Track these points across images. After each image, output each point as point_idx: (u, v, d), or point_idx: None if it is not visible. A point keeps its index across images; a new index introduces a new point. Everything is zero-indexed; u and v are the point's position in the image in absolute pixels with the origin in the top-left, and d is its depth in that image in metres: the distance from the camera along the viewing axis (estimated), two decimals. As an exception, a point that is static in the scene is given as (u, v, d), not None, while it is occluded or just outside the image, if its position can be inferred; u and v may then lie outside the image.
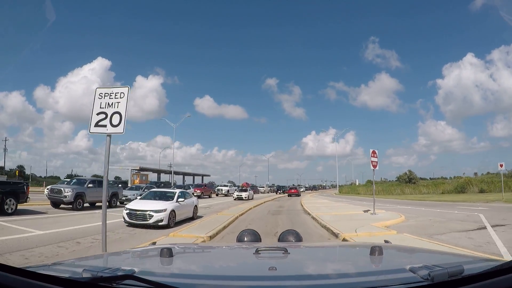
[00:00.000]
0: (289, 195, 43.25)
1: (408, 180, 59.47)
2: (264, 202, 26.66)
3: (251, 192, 34.22)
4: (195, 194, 22.55)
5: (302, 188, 63.53)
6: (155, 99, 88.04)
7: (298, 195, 43.26)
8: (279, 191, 58.50)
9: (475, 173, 61.35)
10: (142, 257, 1.82)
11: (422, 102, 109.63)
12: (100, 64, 75.45)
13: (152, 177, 53.87)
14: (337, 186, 67.16)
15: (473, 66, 76.04)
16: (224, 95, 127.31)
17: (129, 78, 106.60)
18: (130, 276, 0.96)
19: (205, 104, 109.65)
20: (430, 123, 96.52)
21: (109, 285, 0.92)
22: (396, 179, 64.97)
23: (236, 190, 35.55)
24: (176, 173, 55.71)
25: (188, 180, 62.93)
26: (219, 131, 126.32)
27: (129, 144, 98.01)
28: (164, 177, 59.47)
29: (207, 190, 36.17)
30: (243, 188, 36.53)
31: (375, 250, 1.49)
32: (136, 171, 47.84)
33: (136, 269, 1.13)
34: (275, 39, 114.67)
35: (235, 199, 30.20)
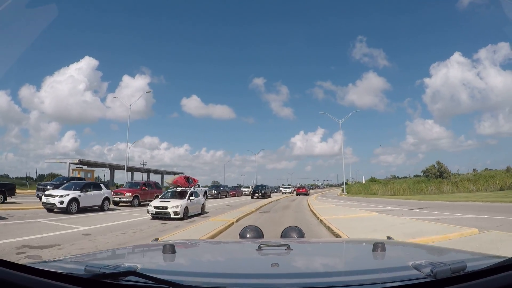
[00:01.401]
0: (298, 194, 45.42)
1: (439, 175, 48.86)
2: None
3: (187, 202, 14.31)
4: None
5: (289, 188, 56.05)
6: (142, 99, 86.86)
7: (307, 194, 44.52)
8: (256, 194, 35.34)
9: (474, 170, 58.03)
10: (145, 254, 1.83)
11: (409, 101, 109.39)
12: (87, 63, 73.40)
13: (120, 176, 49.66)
14: (344, 184, 56.35)
15: (460, 65, 75.87)
16: (211, 95, 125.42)
17: (116, 77, 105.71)
18: (133, 272, 0.96)
19: (192, 104, 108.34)
20: (418, 122, 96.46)
21: (111, 282, 0.93)
22: (423, 174, 54.50)
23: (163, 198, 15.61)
24: (133, 169, 51.02)
25: (157, 178, 57.20)
26: (207, 131, 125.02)
27: (116, 145, 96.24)
28: (137, 176, 54.11)
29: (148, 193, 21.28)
30: (176, 191, 15.73)
31: (378, 247, 1.48)
32: (76, 165, 39.34)
33: (138, 266, 1.13)
34: (262, 38, 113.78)
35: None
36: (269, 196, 36.45)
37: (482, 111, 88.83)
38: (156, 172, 59.91)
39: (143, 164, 55.49)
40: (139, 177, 54.15)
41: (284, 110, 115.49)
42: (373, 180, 67.58)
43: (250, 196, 36.28)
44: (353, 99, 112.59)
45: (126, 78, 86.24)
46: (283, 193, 50.16)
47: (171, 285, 0.92)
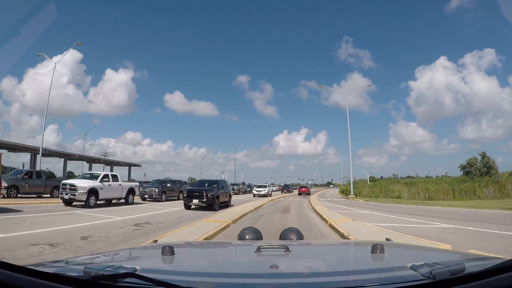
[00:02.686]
0: (299, 194, 44.86)
1: (486, 171, 36.68)
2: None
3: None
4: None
5: (267, 188, 40.84)
6: (125, 94, 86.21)
7: (308, 193, 43.70)
8: (195, 198, 16.07)
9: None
10: (144, 255, 1.83)
11: (394, 103, 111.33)
12: (71, 56, 68.91)
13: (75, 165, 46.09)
14: (351, 184, 41.04)
15: (445, 69, 77.16)
16: (195, 91, 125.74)
17: (100, 71, 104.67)
18: (132, 274, 0.96)
19: (175, 100, 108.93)
20: (401, 124, 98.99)
21: (110, 283, 0.93)
22: (462, 170, 40.35)
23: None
24: (68, 156, 44.51)
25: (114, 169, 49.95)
26: (190, 128, 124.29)
27: (99, 140, 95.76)
28: (98, 167, 49.57)
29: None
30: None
31: (377, 248, 1.48)
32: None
33: (137, 267, 1.13)
34: (247, 35, 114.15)
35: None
36: (226, 205, 17.74)
37: (466, 116, 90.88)
38: (96, 160, 51.63)
39: (105, 155, 52.09)
40: (99, 168, 50.20)
41: (268, 109, 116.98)
42: (372, 179, 59.80)
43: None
44: (337, 99, 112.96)
45: (109, 72, 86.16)
46: (254, 195, 35.83)
47: (170, 286, 0.92)
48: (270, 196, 36.45)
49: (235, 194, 36.18)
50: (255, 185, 44.28)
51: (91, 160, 50.74)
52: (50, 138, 78.69)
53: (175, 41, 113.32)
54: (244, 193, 44.72)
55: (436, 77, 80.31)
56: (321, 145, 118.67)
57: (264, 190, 37.18)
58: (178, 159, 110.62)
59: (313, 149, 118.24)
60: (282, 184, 61.80)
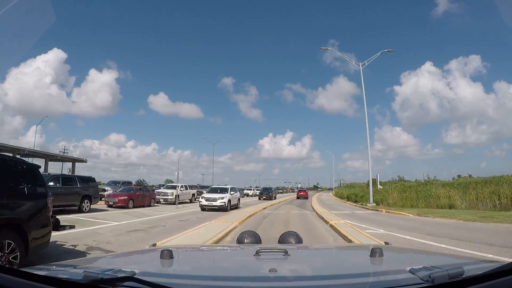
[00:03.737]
0: (298, 197, 43.55)
1: None
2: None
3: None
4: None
5: (225, 195, 23.07)
6: (109, 95, 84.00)
7: (306, 197, 42.52)
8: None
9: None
10: (143, 259, 1.82)
11: (379, 108, 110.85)
12: (55, 55, 70.17)
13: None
14: (370, 187, 26.55)
15: (431, 75, 76.50)
16: (179, 93, 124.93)
17: (83, 71, 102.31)
18: (131, 277, 0.96)
19: (159, 101, 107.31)
20: (386, 129, 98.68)
21: (109, 287, 0.93)
22: None
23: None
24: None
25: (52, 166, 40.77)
26: (174, 130, 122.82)
27: (83, 142, 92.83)
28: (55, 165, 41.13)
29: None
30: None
31: (376, 252, 1.48)
32: None
33: (136, 271, 1.13)
34: (232, 38, 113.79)
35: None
36: (236, 207, 20.31)
37: (450, 121, 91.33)
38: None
39: (64, 152, 46.69)
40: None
41: (252, 112, 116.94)
42: (373, 182, 54.02)
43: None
44: (322, 103, 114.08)
45: (92, 72, 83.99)
46: (203, 207, 18.40)
47: None
48: (236, 208, 19.97)
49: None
50: (208, 188, 24.60)
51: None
52: (32, 139, 73.72)
53: (159, 42, 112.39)
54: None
55: (421, 82, 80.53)
56: (306, 149, 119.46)
57: (221, 200, 18.30)
58: (163, 161, 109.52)
59: (298, 153, 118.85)
60: (262, 188, 46.03)
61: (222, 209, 17.64)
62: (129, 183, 28.78)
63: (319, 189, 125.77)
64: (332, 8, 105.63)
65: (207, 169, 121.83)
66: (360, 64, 25.80)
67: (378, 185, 32.33)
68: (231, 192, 19.47)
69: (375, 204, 24.27)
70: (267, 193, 38.55)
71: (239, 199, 21.90)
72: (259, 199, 37.14)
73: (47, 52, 68.70)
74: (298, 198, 42.94)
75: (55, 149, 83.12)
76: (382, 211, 19.55)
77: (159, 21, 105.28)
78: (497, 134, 77.76)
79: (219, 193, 19.06)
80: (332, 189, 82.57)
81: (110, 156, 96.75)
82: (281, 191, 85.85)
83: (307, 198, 41.17)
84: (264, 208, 20.51)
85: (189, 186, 29.03)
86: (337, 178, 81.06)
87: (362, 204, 26.68)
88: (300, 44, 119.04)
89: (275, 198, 39.59)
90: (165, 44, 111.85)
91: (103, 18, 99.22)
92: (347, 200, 36.32)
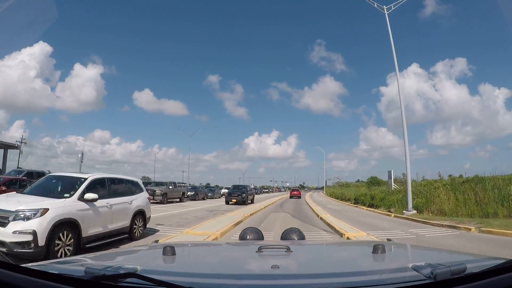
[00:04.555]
0: (291, 197, 42.31)
1: None
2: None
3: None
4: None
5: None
6: (93, 90, 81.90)
7: (299, 197, 41.60)
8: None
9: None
10: (145, 255, 1.83)
11: (365, 108, 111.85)
12: (41, 49, 67.26)
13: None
14: (408, 186, 15.90)
15: (417, 76, 74.87)
16: (165, 89, 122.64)
17: (68, 66, 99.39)
18: (133, 274, 0.96)
19: (144, 98, 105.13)
20: (371, 129, 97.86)
21: (111, 283, 0.93)
22: None
23: None
24: None
25: None
26: (159, 127, 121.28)
27: (67, 138, 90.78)
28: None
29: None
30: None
31: (378, 249, 1.48)
32: None
33: (138, 267, 1.13)
34: (218, 35, 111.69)
35: None
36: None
37: (435, 122, 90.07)
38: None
39: (21, 143, 40.58)
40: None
41: (238, 110, 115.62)
42: (374, 180, 46.41)
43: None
44: (308, 102, 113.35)
45: (77, 67, 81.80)
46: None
47: (171, 286, 0.92)
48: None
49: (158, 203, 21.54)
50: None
51: None
52: (16, 134, 73.35)
53: (144, 37, 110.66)
54: (200, 199, 30.99)
55: (407, 84, 77.81)
56: (292, 148, 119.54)
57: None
58: (148, 159, 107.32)
59: (284, 152, 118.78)
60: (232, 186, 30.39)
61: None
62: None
63: (306, 189, 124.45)
64: (319, 8, 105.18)
65: (193, 168, 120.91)
66: (385, 8, 18.76)
67: (392, 184, 24.90)
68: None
69: (415, 211, 15.35)
70: (238, 194, 23.77)
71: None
72: (227, 203, 23.37)
73: (32, 46, 65.96)
74: (291, 197, 41.73)
75: (38, 145, 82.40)
76: (460, 227, 11.04)
77: (145, 20, 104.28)
78: (482, 135, 77.71)
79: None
80: (322, 188, 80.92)
81: (95, 153, 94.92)
82: (266, 190, 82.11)
83: (300, 198, 40.20)
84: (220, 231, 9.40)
85: (178, 183, 28.15)
86: (325, 177, 79.90)
87: (390, 211, 18.04)
88: (286, 42, 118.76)
89: (252, 202, 25.37)
90: (151, 41, 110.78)
91: (90, 15, 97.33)
92: (355, 204, 27.10)
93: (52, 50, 74.41)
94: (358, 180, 69.01)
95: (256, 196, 33.09)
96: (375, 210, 20.00)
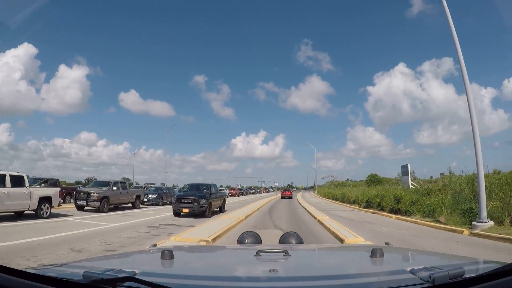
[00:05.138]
0: (283, 197, 41.86)
1: None
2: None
3: None
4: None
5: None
6: (78, 91, 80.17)
7: (291, 197, 41.23)
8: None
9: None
10: (143, 259, 1.82)
11: (352, 108, 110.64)
12: (26, 50, 65.75)
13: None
14: (481, 190, 9.76)
15: (404, 75, 74.49)
16: (150, 90, 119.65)
17: (53, 67, 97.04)
18: (131, 278, 0.96)
19: (130, 99, 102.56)
20: (359, 129, 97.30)
21: (110, 287, 0.93)
22: None
23: None
24: None
25: None
26: (146, 129, 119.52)
27: (53, 140, 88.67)
28: None
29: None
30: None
31: (376, 252, 1.48)
32: None
33: (137, 271, 1.13)
34: (203, 35, 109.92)
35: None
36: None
37: (422, 121, 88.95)
38: None
39: None
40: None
41: (225, 110, 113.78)
42: (374, 178, 40.53)
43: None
44: (295, 102, 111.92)
45: (62, 68, 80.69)
46: None
47: None
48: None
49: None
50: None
51: None
52: (1, 137, 71.82)
53: (129, 37, 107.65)
54: (167, 203, 22.83)
55: (394, 83, 78.82)
56: (279, 148, 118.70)
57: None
58: (135, 160, 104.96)
59: (271, 152, 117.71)
60: (187, 186, 18.25)
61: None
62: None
63: (294, 189, 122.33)
64: (306, 8, 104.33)
65: (180, 169, 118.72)
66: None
67: (410, 182, 20.15)
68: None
69: (491, 222, 10.05)
70: (192, 200, 14.47)
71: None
72: (176, 214, 14.71)
73: (17, 47, 65.40)
74: (283, 197, 41.27)
75: (24, 148, 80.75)
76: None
77: (129, 20, 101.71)
78: (468, 134, 75.32)
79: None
80: (312, 188, 79.60)
81: (81, 155, 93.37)
82: (253, 190, 77.88)
83: (291, 198, 39.56)
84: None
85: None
86: (311, 177, 78.73)
87: (440, 221, 12.16)
88: (273, 42, 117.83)
89: (220, 211, 17.30)
90: (136, 41, 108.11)
91: (75, 16, 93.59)
92: (366, 207, 20.98)
93: (37, 52, 72.87)
94: (348, 179, 66.80)
95: (239, 199, 29.93)
96: (417, 221, 13.15)
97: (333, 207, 25.03)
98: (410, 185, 19.87)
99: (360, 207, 22.73)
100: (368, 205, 21.03)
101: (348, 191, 31.99)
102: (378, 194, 20.59)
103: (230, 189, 55.62)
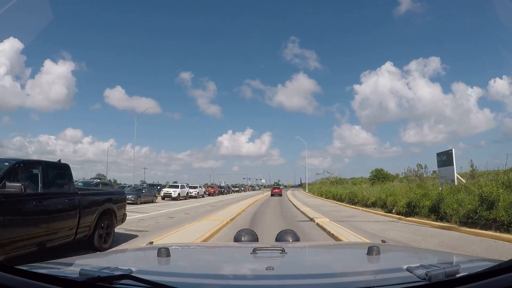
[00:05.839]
0: (272, 195, 41.47)
1: None
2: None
3: None
4: None
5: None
6: (64, 87, 79.81)
7: (280, 195, 40.95)
8: None
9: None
10: (140, 257, 1.82)
11: (338, 106, 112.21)
12: (11, 45, 63.54)
13: None
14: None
15: (391, 74, 75.67)
16: (136, 87, 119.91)
17: (39, 62, 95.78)
18: (128, 275, 0.96)
19: (115, 95, 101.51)
20: (345, 127, 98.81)
21: (106, 285, 0.92)
22: None
23: None
24: None
25: None
26: (132, 126, 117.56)
27: (38, 137, 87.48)
28: None
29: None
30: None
31: (373, 250, 1.49)
32: None
33: (133, 269, 1.12)
34: (190, 31, 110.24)
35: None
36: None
37: (408, 120, 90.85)
38: None
39: None
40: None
41: (211, 108, 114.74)
42: (380, 174, 34.54)
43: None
44: (282, 99, 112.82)
45: (47, 64, 79.37)
46: None
47: None
48: None
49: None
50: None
51: None
52: None
53: (115, 33, 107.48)
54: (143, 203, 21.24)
55: (381, 82, 79.66)
56: (266, 146, 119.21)
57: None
58: (121, 158, 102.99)
59: (258, 150, 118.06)
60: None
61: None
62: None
63: (281, 187, 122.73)
64: (293, 5, 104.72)
65: (166, 166, 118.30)
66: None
67: (455, 176, 12.59)
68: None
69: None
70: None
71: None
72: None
73: (2, 41, 62.95)
74: (272, 195, 40.83)
75: (9, 144, 77.64)
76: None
77: (114, 15, 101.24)
78: (454, 133, 77.55)
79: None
80: (301, 186, 77.60)
81: (67, 152, 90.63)
82: (237, 188, 70.67)
83: (280, 195, 39.52)
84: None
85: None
86: (299, 175, 77.83)
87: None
88: (259, 39, 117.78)
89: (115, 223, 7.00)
90: (122, 38, 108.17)
91: (59, 10, 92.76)
92: (389, 212, 14.14)
93: (23, 47, 70.22)
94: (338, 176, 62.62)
95: (215, 199, 24.44)
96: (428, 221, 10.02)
97: (348, 213, 15.79)
98: (456, 180, 12.74)
99: (389, 212, 14.18)
100: (412, 210, 12.39)
101: (357, 191, 22.67)
102: (418, 194, 12.48)
103: (207, 187, 47.34)
